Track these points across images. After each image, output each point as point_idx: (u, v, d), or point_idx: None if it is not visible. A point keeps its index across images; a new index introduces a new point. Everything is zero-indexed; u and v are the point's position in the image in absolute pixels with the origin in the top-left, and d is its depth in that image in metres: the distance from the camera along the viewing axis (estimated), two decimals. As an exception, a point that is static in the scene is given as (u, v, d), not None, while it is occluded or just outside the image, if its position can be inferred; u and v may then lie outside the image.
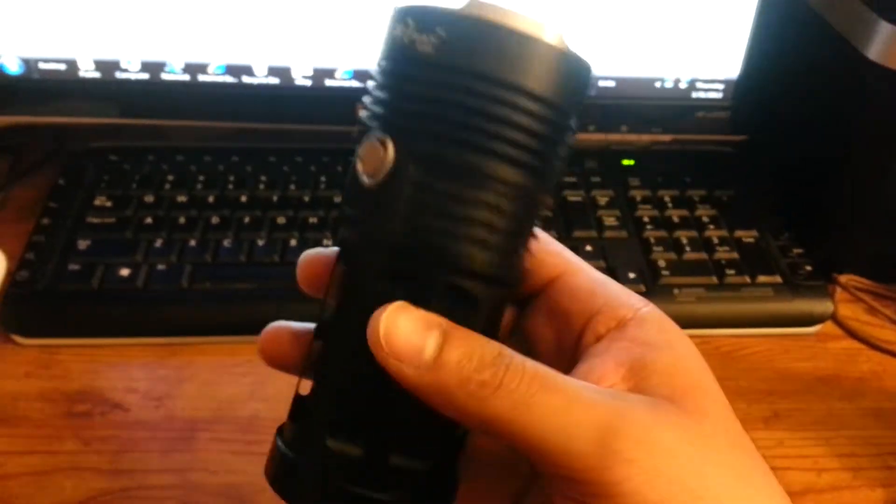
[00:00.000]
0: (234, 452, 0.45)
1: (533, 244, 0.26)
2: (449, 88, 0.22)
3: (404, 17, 0.22)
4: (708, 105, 0.62)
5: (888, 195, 0.57)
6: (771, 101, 0.64)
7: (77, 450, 0.45)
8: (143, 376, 0.50)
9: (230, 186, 0.61)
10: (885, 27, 0.51)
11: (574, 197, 0.61)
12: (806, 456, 0.47)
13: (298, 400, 0.26)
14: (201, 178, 0.61)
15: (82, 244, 0.55)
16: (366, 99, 0.24)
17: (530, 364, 0.22)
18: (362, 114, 0.24)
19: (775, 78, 0.63)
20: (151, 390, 0.49)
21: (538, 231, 0.26)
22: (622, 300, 0.27)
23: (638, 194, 0.61)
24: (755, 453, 0.24)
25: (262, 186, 0.61)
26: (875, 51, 0.52)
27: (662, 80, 0.61)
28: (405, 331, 0.22)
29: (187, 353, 0.52)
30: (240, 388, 0.49)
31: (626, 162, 0.65)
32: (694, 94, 0.61)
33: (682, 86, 0.61)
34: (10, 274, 0.54)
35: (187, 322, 0.52)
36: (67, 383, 0.49)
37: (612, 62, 0.60)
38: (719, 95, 0.61)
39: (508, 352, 0.22)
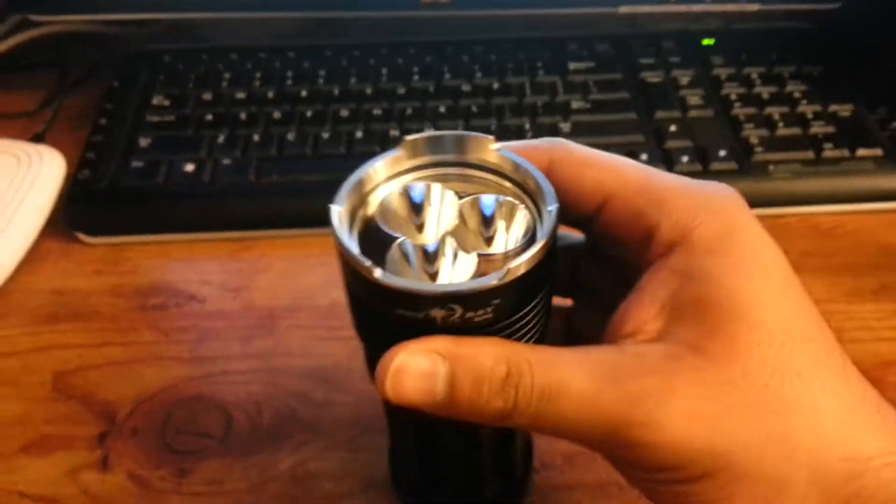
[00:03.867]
0: (318, 338, 0.43)
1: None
2: None
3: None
4: (799, -33, 0.57)
5: None
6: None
7: (155, 340, 0.44)
8: (216, 269, 0.48)
9: (288, 82, 0.58)
10: None
11: (653, 78, 0.57)
12: (922, 326, 0.44)
13: None
14: (258, 74, 0.58)
15: (143, 142, 0.53)
16: None
17: (539, 375, 0.22)
18: None
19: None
20: (227, 282, 0.47)
21: (573, 147, 0.26)
22: (676, 217, 0.24)
23: (722, 73, 0.57)
24: (801, 376, 0.23)
25: (321, 81, 0.58)
26: None
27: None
28: (412, 378, 0.22)
29: (259, 247, 0.50)
30: (317, 279, 0.47)
31: (705, 42, 0.61)
32: (784, -43, 0.57)
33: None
34: (70, 175, 0.52)
35: (258, 215, 0.50)
36: (138, 278, 0.48)
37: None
38: (811, -43, 0.57)
39: (515, 369, 0.22)
